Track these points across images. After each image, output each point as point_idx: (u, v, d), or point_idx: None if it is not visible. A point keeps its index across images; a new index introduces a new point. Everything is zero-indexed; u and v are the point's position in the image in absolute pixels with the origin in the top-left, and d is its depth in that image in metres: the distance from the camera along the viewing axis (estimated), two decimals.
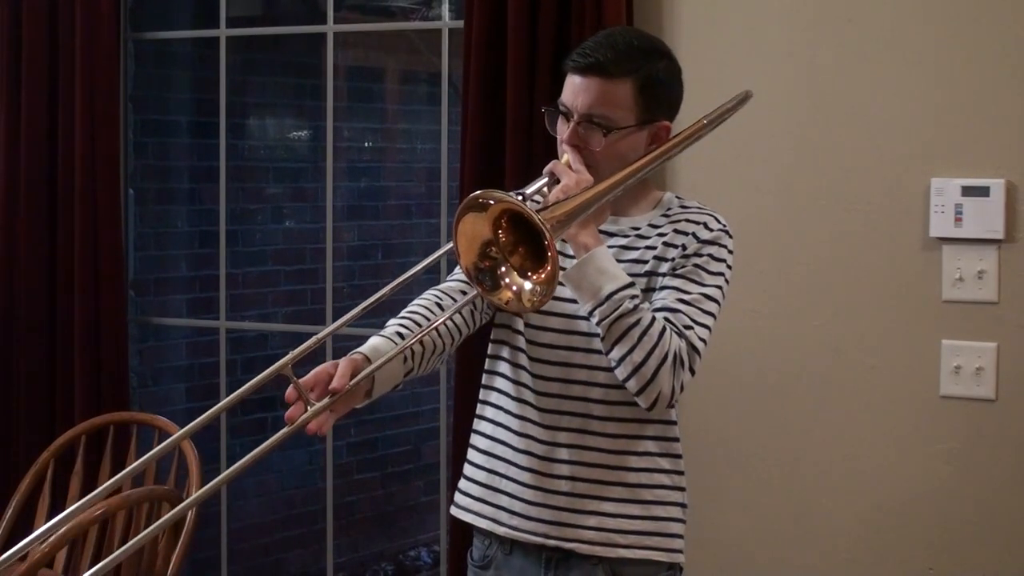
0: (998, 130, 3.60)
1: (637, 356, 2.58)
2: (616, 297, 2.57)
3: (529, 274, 2.43)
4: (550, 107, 2.83)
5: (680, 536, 2.85)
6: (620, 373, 2.62)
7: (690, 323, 2.67)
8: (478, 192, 2.40)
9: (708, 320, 2.71)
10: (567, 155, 2.71)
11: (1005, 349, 3.62)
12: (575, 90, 2.74)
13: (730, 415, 3.86)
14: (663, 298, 2.70)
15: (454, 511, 2.96)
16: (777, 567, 3.88)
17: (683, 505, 2.87)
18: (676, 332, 2.63)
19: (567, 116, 2.76)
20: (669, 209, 2.85)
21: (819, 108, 3.79)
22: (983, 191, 3.58)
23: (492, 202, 2.40)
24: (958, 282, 3.64)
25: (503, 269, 2.46)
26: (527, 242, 2.44)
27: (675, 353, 2.61)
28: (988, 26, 3.60)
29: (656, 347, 2.58)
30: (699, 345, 2.67)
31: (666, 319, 2.64)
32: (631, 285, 2.61)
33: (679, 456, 2.85)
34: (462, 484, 2.95)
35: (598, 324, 2.59)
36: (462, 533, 4.09)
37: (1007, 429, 3.62)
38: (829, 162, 3.78)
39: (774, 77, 3.82)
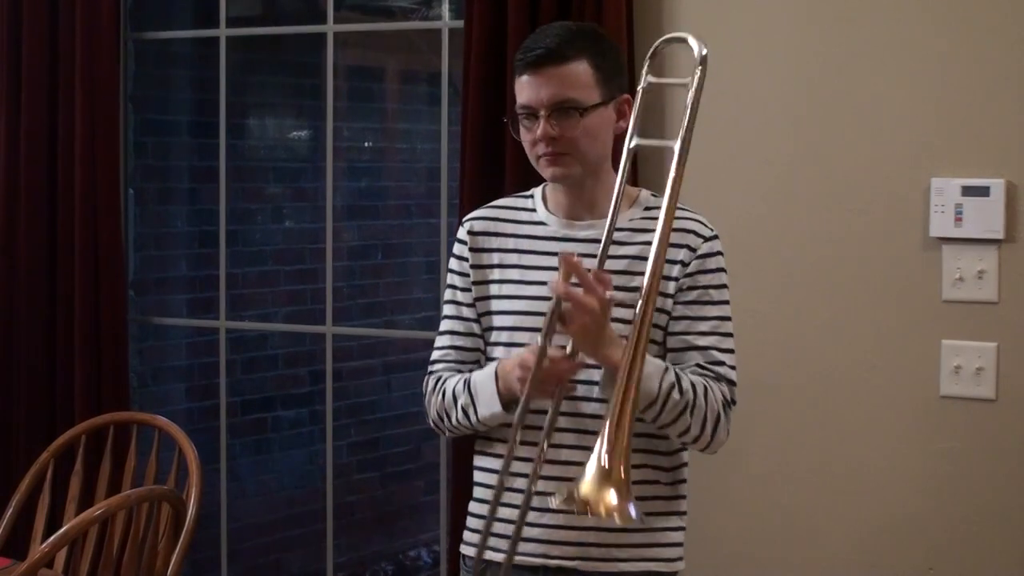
0: (998, 130, 3.60)
1: (695, 430, 2.70)
2: (662, 392, 2.64)
3: None
4: (512, 114, 2.81)
5: (680, 544, 2.86)
6: (679, 442, 2.76)
7: (720, 358, 2.76)
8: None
9: (730, 342, 2.81)
10: (562, 267, 2.59)
11: (1005, 349, 3.61)
12: (535, 86, 2.74)
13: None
14: (682, 331, 2.76)
15: (463, 548, 2.97)
16: (775, 567, 3.88)
17: (682, 513, 2.87)
18: (714, 378, 2.73)
19: (533, 116, 2.75)
20: (647, 208, 2.85)
21: (819, 108, 3.79)
22: (983, 191, 3.58)
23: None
24: (958, 282, 3.63)
25: None
26: None
27: (722, 403, 2.73)
28: (988, 26, 3.60)
29: (707, 413, 2.70)
30: (733, 375, 2.79)
31: (698, 365, 2.74)
32: (666, 370, 2.66)
33: (682, 465, 2.87)
34: (467, 523, 2.96)
35: (652, 421, 2.69)
36: (462, 533, 4.10)
37: (1007, 429, 3.62)
38: (829, 162, 3.78)
39: (774, 77, 3.83)
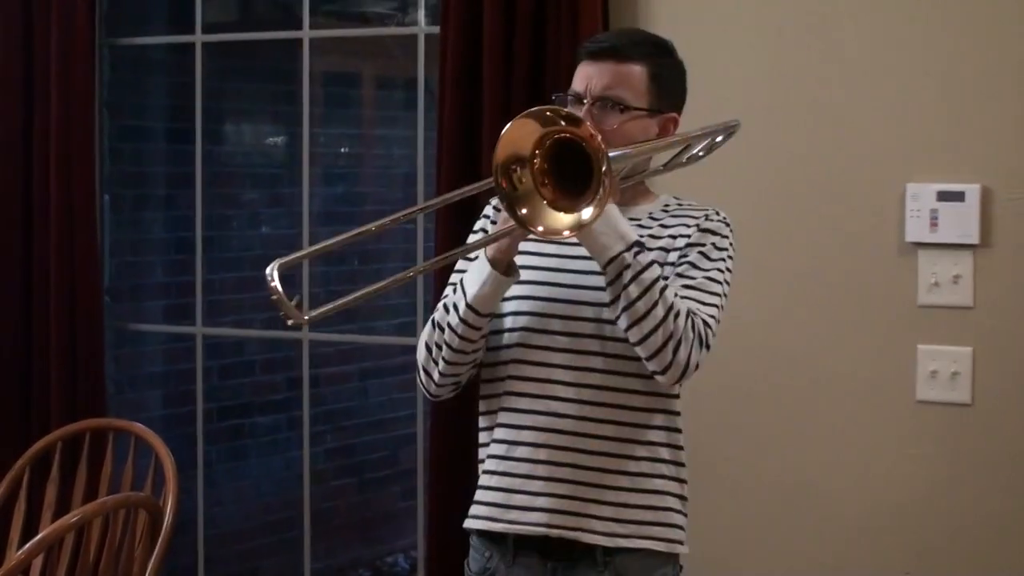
0: (973, 135, 3.61)
1: (641, 308, 2.62)
2: (620, 259, 2.62)
3: (570, 207, 2.50)
4: (560, 94, 2.83)
5: (681, 527, 2.85)
6: (635, 335, 2.65)
7: (697, 305, 2.72)
8: (548, 107, 2.52)
9: (715, 300, 2.77)
10: None
11: (981, 353, 3.63)
12: (589, 74, 2.79)
13: (705, 421, 3.85)
14: (669, 284, 2.72)
15: (467, 523, 2.92)
16: (749, 571, 3.88)
17: (683, 497, 2.87)
18: (689, 309, 2.69)
19: (579, 101, 2.78)
20: (667, 206, 2.90)
21: (794, 114, 3.80)
22: (958, 196, 3.59)
23: (563, 122, 2.48)
24: (934, 287, 3.65)
25: (524, 210, 2.51)
26: (558, 176, 2.51)
27: (687, 314, 2.66)
28: (963, 32, 3.61)
29: (671, 315, 2.63)
30: (710, 321, 2.73)
31: None
32: (638, 244, 2.65)
33: (680, 448, 2.87)
34: (478, 496, 2.90)
35: (608, 285, 2.65)
36: (439, 539, 4.10)
37: (983, 433, 3.64)
38: (804, 167, 3.79)
39: (750, 84, 3.83)
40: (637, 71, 2.78)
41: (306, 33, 4.75)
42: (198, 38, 4.93)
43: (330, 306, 2.58)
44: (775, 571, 3.86)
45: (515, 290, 2.79)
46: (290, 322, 2.52)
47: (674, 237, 2.81)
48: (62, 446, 4.09)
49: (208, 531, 5.17)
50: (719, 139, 3.11)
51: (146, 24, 5.69)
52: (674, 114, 2.87)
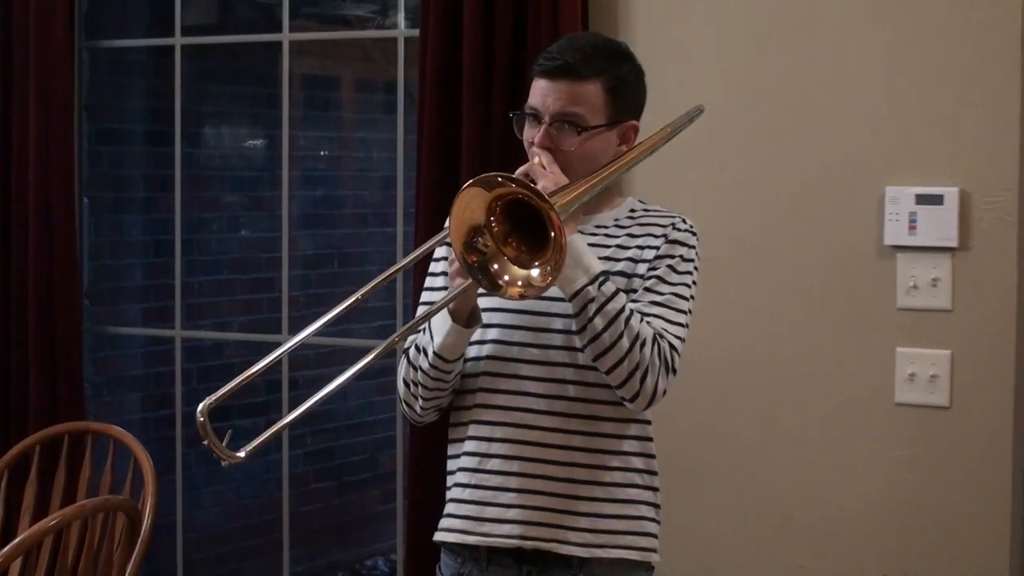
0: (952, 138, 3.61)
1: (607, 339, 2.62)
2: (584, 292, 2.61)
3: (529, 263, 2.48)
4: (518, 111, 2.83)
5: (654, 535, 2.85)
6: (602, 365, 2.66)
7: (665, 325, 2.72)
8: (494, 172, 2.47)
9: (681, 317, 2.77)
10: (538, 157, 2.71)
11: (959, 357, 3.63)
12: (544, 92, 2.76)
13: (686, 422, 3.85)
14: (636, 300, 2.73)
15: (438, 536, 2.92)
16: (727, 573, 3.89)
17: (656, 505, 2.87)
18: (656, 333, 2.68)
19: (537, 119, 2.77)
20: (633, 211, 2.89)
21: (773, 116, 3.80)
22: (937, 199, 3.60)
23: (511, 184, 2.45)
24: (912, 290, 3.65)
25: (495, 266, 2.50)
26: (521, 231, 2.49)
27: (657, 353, 2.67)
28: (942, 35, 3.62)
29: (640, 344, 2.64)
30: (676, 343, 2.73)
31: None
32: (603, 274, 2.64)
33: (652, 456, 2.87)
34: (449, 509, 2.89)
35: (575, 315, 2.64)
36: (419, 542, 4.09)
37: (961, 436, 3.64)
38: (783, 170, 3.79)
39: (728, 84, 3.83)
40: (592, 88, 2.75)
41: (286, 36, 4.74)
42: (177, 41, 4.92)
43: (261, 438, 2.50)
44: (753, 574, 3.86)
45: (484, 303, 2.78)
46: (224, 463, 2.45)
47: (642, 248, 2.80)
48: (40, 449, 4.08)
49: (187, 534, 5.17)
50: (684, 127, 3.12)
51: (126, 27, 5.69)
52: (634, 121, 2.85)
